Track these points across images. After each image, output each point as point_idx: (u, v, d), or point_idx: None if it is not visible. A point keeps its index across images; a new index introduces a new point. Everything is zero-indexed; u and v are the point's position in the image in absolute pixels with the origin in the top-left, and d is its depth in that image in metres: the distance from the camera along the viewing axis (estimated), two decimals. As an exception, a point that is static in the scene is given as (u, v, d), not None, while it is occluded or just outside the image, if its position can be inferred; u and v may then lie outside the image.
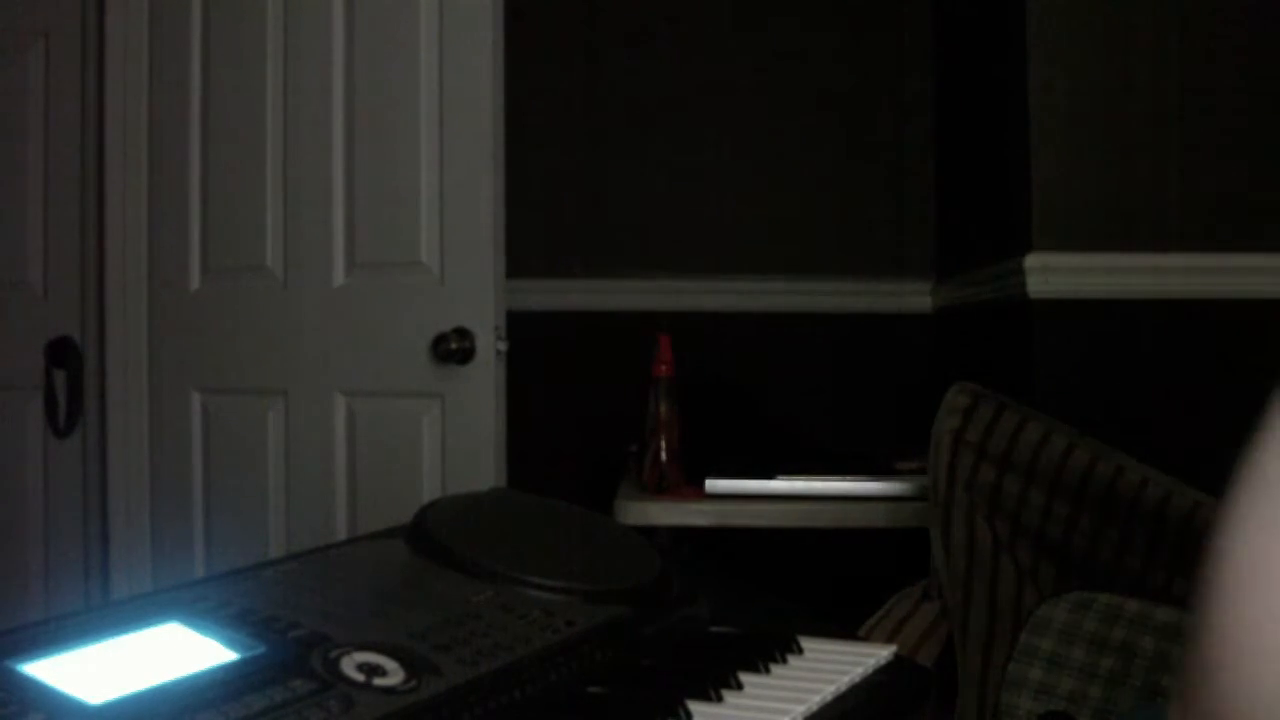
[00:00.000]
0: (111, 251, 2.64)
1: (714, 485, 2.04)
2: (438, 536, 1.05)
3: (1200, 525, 1.63)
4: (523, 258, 2.72)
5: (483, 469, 2.32)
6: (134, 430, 2.62)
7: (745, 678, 0.93)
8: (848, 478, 2.05)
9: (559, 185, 2.98)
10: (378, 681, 0.80)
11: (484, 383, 2.33)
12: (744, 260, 2.95)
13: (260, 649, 0.81)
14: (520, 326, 2.51)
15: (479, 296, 2.33)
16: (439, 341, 2.32)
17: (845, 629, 1.17)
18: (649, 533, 1.87)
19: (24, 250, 2.77)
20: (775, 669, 0.97)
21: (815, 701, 0.90)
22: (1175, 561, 1.66)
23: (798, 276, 2.94)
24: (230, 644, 0.82)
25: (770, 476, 2.05)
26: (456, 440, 2.34)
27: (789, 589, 1.31)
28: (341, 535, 2.35)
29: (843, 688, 0.95)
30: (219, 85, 2.56)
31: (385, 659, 0.83)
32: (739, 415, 2.52)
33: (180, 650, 0.80)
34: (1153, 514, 1.65)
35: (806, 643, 1.03)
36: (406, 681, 0.81)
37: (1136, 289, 2.05)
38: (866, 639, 1.32)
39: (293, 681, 0.77)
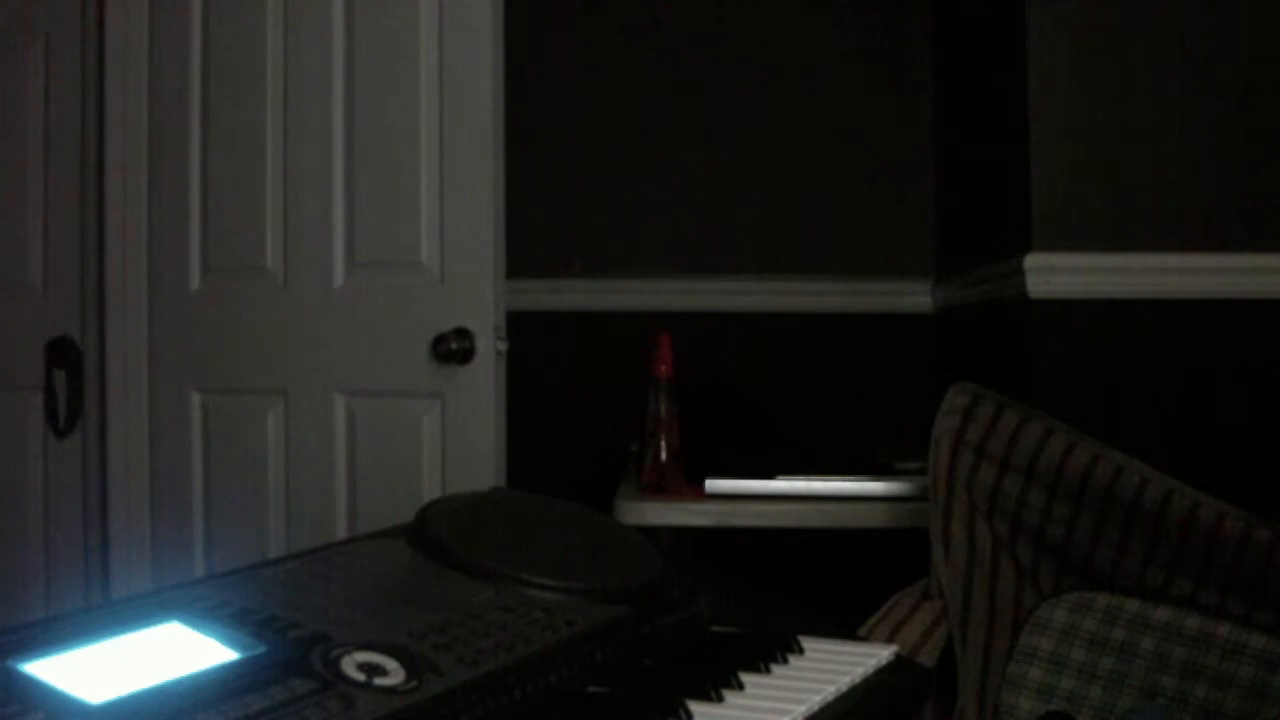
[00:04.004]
0: (111, 251, 2.64)
1: (714, 485, 2.04)
2: (438, 536, 1.05)
3: (1200, 525, 1.63)
4: (523, 258, 2.72)
5: (483, 469, 2.31)
6: (134, 430, 2.62)
7: (745, 678, 0.93)
8: (848, 478, 2.05)
9: (559, 185, 2.97)
10: (378, 681, 0.80)
11: (484, 383, 2.32)
12: (744, 260, 2.95)
13: (260, 648, 0.81)
14: (520, 326, 2.50)
15: (479, 296, 2.33)
16: (439, 341, 2.31)
17: (845, 629, 1.17)
18: (649, 533, 1.87)
19: (24, 250, 2.77)
20: (775, 669, 0.97)
21: (816, 701, 0.90)
22: (1175, 561, 1.66)
23: (798, 276, 2.93)
24: (230, 643, 0.82)
25: (770, 476, 2.05)
26: (456, 440, 2.34)
27: (789, 589, 1.31)
28: (341, 535, 2.35)
29: (843, 688, 0.95)
30: (219, 85, 2.56)
31: (385, 659, 0.83)
32: (739, 415, 2.52)
33: (180, 650, 0.80)
34: (1153, 514, 1.65)
35: (807, 643, 1.03)
36: (407, 681, 0.81)
37: (1136, 289, 2.05)
38: (866, 639, 1.32)
39: (293, 681, 0.77)
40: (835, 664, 0.99)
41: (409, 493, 2.33)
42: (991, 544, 1.74)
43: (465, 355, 2.32)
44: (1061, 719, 1.63)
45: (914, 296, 2.93)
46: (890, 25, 2.96)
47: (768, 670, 0.96)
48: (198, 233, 2.59)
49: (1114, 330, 2.05)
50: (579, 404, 2.93)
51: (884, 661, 1.03)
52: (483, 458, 2.32)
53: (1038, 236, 2.06)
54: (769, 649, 0.99)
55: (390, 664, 0.82)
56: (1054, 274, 2.04)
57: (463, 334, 2.32)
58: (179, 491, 2.58)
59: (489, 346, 2.32)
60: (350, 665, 0.81)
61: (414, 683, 0.81)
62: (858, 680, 0.98)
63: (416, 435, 2.38)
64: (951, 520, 1.75)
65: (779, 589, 1.21)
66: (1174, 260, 2.05)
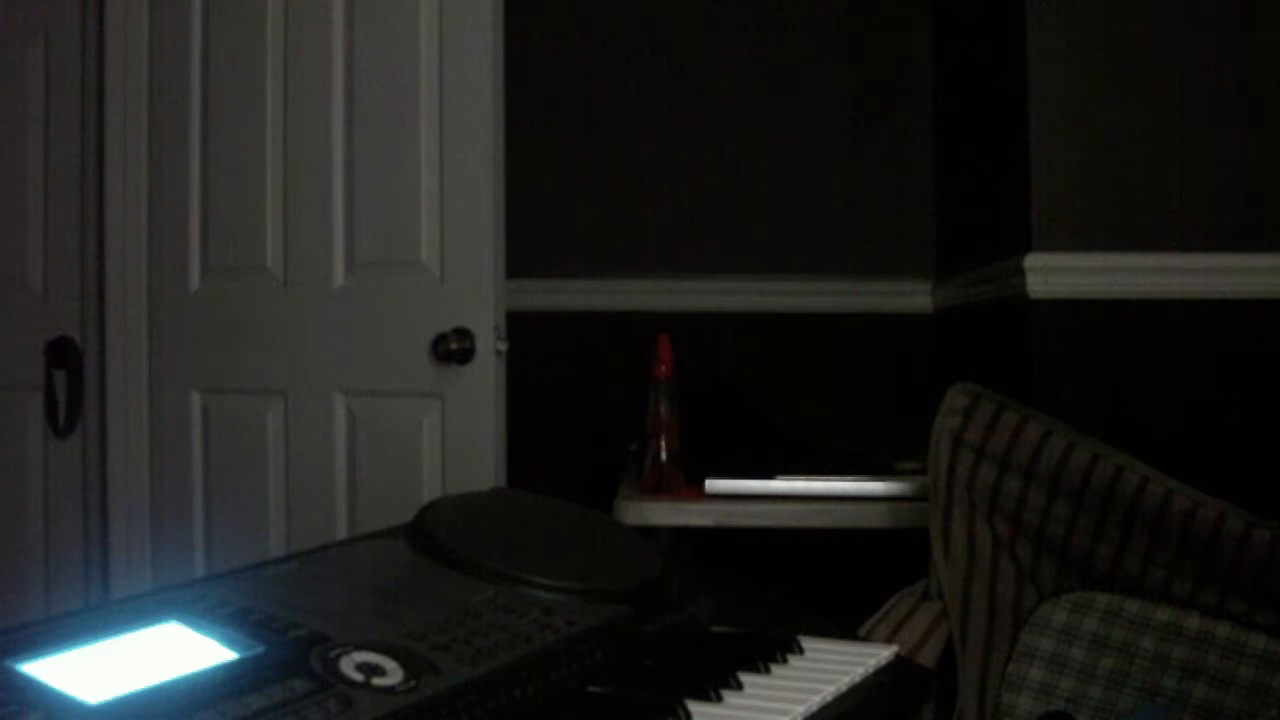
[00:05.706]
0: (111, 251, 2.64)
1: (714, 485, 2.04)
2: (438, 536, 1.05)
3: (1200, 525, 1.63)
4: (523, 258, 2.72)
5: (483, 469, 2.31)
6: (134, 430, 2.62)
7: (745, 678, 0.93)
8: (848, 478, 2.05)
9: (559, 185, 2.97)
10: (376, 681, 0.80)
11: (484, 383, 2.32)
12: (744, 260, 2.95)
13: (259, 648, 0.81)
14: (520, 326, 2.50)
15: (479, 296, 2.33)
16: (439, 341, 2.31)
17: (845, 629, 1.17)
18: (649, 533, 1.87)
19: (24, 250, 2.77)
20: (775, 669, 0.97)
21: (815, 702, 0.90)
22: (1175, 561, 1.66)
23: (798, 276, 2.93)
24: (229, 643, 0.82)
25: (770, 476, 2.05)
26: (456, 440, 2.34)
27: (789, 589, 1.31)
28: (341, 535, 2.35)
29: (843, 688, 0.95)
30: (219, 85, 2.56)
31: (384, 659, 0.83)
32: (739, 415, 2.52)
33: (180, 650, 0.80)
34: (1153, 514, 1.65)
35: (807, 643, 1.03)
36: (405, 681, 0.81)
37: (1136, 289, 2.05)
38: (867, 639, 1.32)
39: (291, 681, 0.77)
40: (835, 664, 0.99)
41: (409, 493, 2.33)
42: (991, 544, 1.74)
43: (465, 355, 2.32)
44: (1061, 719, 1.63)
45: (914, 296, 2.93)
46: (890, 24, 2.96)
47: (767, 670, 0.96)
48: (198, 233, 2.59)
49: (1114, 330, 2.05)
50: (579, 404, 2.93)
51: (884, 661, 1.03)
52: (483, 458, 2.32)
53: (1038, 236, 2.06)
54: (769, 649, 0.99)
55: (389, 664, 0.82)
56: (1054, 274, 2.04)
57: (463, 334, 2.32)
58: (179, 491, 2.58)
59: (489, 346, 2.32)
60: (349, 665, 0.81)
61: (412, 683, 0.81)
62: (858, 680, 0.98)
63: (416, 435, 2.38)
64: (951, 520, 1.75)
65: (779, 589, 1.21)
66: (1174, 260, 2.05)
